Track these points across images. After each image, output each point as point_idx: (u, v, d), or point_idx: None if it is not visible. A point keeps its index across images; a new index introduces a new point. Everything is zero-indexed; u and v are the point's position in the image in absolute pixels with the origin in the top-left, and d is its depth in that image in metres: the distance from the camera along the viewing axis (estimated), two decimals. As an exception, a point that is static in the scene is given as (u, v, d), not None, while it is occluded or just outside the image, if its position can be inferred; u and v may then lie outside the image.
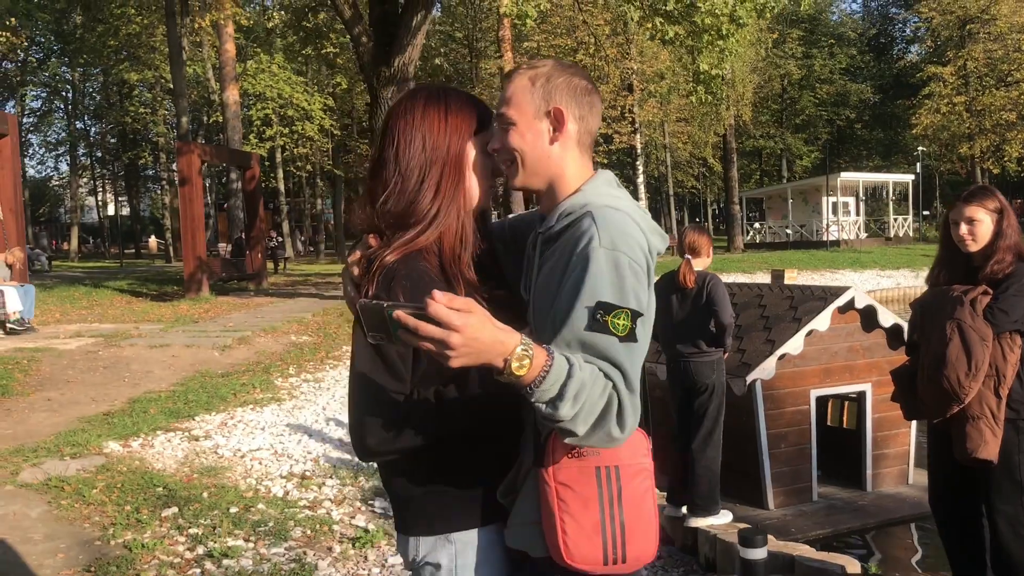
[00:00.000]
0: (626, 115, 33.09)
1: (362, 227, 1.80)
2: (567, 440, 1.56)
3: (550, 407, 1.48)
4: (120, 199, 57.24)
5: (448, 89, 1.84)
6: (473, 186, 1.81)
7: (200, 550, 4.44)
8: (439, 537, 1.76)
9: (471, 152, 1.79)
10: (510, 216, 2.12)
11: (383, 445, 1.66)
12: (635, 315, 1.56)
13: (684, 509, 5.40)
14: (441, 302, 1.35)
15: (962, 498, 3.63)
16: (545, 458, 1.64)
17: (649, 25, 13.49)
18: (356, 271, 1.75)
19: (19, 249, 12.58)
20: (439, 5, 41.59)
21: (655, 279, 1.76)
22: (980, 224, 3.41)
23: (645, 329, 1.62)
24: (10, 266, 12.11)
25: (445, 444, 1.71)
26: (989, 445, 3.30)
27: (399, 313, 1.37)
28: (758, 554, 3.37)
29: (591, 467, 1.62)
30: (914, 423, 6.87)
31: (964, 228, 3.43)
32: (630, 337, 1.56)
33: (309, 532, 4.79)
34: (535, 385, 1.45)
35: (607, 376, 1.53)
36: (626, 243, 1.61)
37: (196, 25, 26.41)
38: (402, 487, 1.79)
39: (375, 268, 1.69)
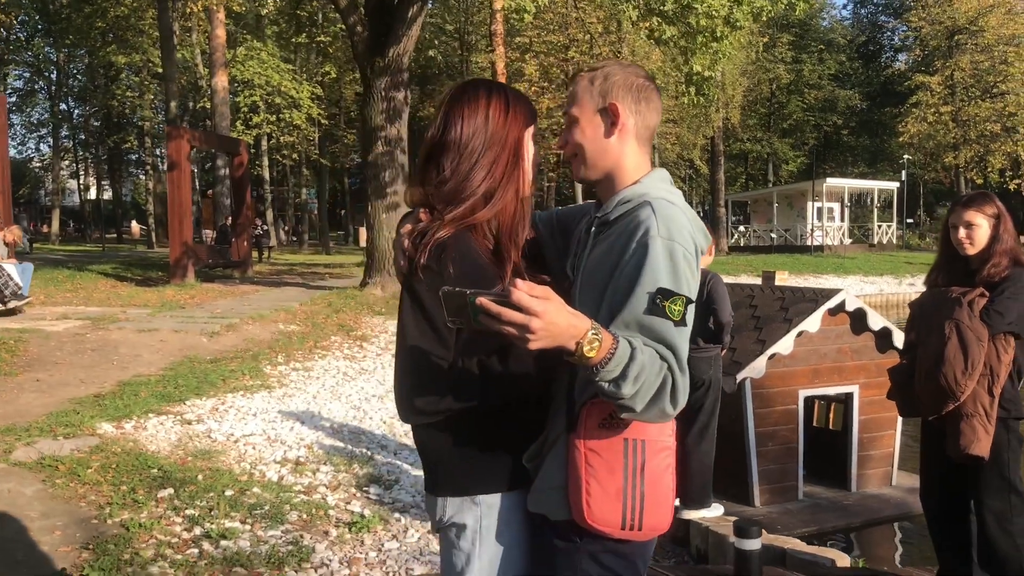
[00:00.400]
0: (615, 114, 33.11)
1: (416, 203, 1.91)
2: (624, 415, 1.67)
3: (613, 386, 1.60)
4: (103, 183, 56.78)
5: (503, 85, 1.98)
6: (527, 172, 1.93)
7: (197, 531, 4.46)
8: (466, 499, 1.87)
9: (526, 141, 1.92)
10: (559, 208, 2.23)
11: (429, 406, 1.80)
12: (688, 301, 1.69)
13: (676, 501, 5.47)
14: (523, 290, 1.47)
15: (953, 494, 3.73)
16: (578, 426, 1.76)
17: (646, 24, 13.57)
18: (407, 243, 1.84)
19: (17, 228, 12.52)
20: (432, -2, 41.57)
21: None
22: (978, 228, 3.51)
23: (693, 314, 1.74)
24: (8, 244, 12.06)
25: (480, 411, 1.82)
26: (982, 442, 3.41)
27: (482, 300, 1.48)
28: (753, 545, 3.44)
29: (620, 438, 1.74)
30: (899, 426, 6.98)
31: (963, 232, 3.54)
32: (683, 322, 1.68)
33: (305, 516, 4.82)
34: (601, 366, 1.58)
35: (663, 358, 1.64)
36: (681, 235, 1.73)
37: (188, 10, 26.27)
38: (436, 449, 1.90)
39: (428, 240, 1.79)
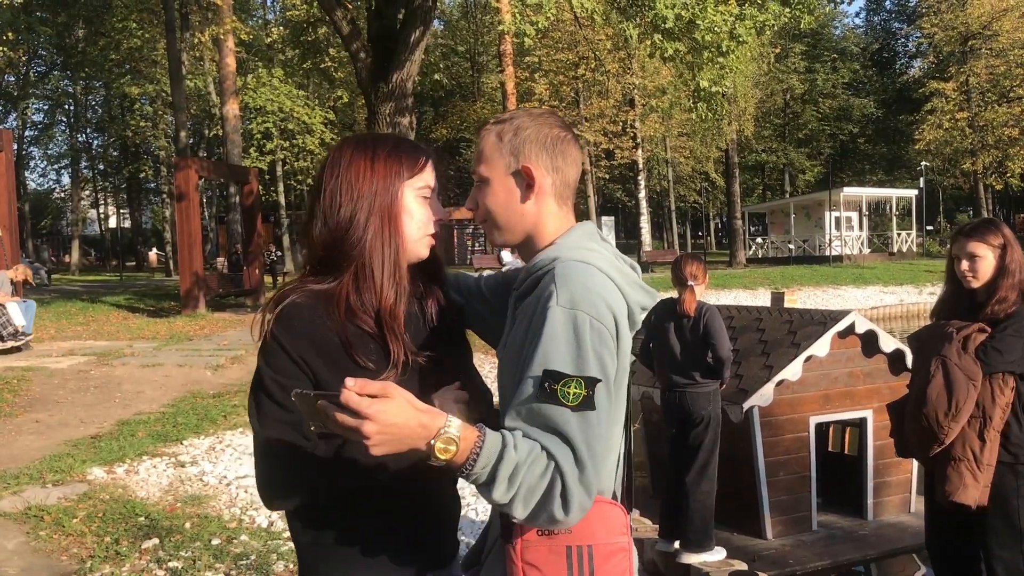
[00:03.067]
0: (628, 130, 33.07)
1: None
2: (513, 520, 1.46)
3: (484, 490, 1.39)
4: (122, 211, 57.26)
5: (377, 137, 1.73)
6: (407, 234, 1.68)
7: (178, 585, 4.31)
8: None
9: (403, 199, 1.68)
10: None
11: (286, 495, 1.62)
12: (591, 382, 1.44)
13: (677, 544, 5.27)
14: (353, 389, 1.26)
15: (959, 540, 3.49)
16: (512, 534, 1.53)
17: (648, 42, 13.43)
18: (259, 313, 1.72)
19: (24, 266, 12.51)
20: (441, 20, 41.69)
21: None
22: (982, 260, 3.27)
23: (610, 393, 1.50)
24: (16, 283, 12.06)
25: (345, 499, 1.62)
26: (969, 489, 3.16)
27: (320, 403, 1.30)
28: (751, 600, 3.24)
29: (562, 546, 1.51)
30: (916, 450, 6.74)
31: (965, 264, 3.30)
32: (585, 406, 1.43)
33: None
34: (467, 468, 1.36)
35: (550, 455, 1.41)
36: (587, 300, 1.48)
37: (196, 40, 26.41)
38: (302, 536, 1.68)
39: (279, 308, 1.62)
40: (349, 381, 1.27)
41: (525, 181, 1.66)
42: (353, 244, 1.63)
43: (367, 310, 1.63)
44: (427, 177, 1.70)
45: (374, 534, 1.64)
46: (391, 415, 1.29)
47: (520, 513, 1.41)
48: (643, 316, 1.66)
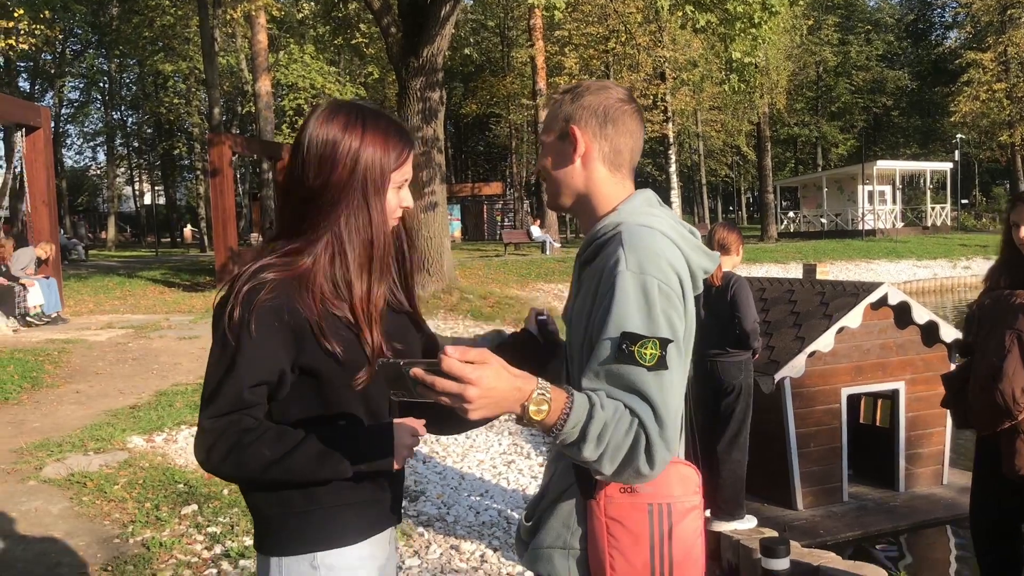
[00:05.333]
0: (658, 104, 32.81)
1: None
2: (598, 477, 1.54)
3: (574, 448, 1.45)
4: (156, 188, 57.86)
5: (366, 107, 1.74)
6: (382, 219, 1.72)
7: (218, 549, 4.42)
8: (301, 558, 1.67)
9: (386, 185, 1.72)
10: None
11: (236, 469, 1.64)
12: (664, 343, 1.50)
13: (707, 512, 5.31)
14: (454, 356, 1.32)
15: (1006, 513, 3.46)
16: (597, 492, 1.61)
17: (680, 13, 13.32)
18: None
19: (49, 243, 12.68)
20: (470, -6, 41.52)
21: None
22: None
23: (681, 353, 1.56)
24: (44, 260, 12.23)
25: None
26: None
27: (416, 371, 1.35)
28: (780, 564, 3.27)
29: (643, 503, 1.59)
30: (949, 422, 6.71)
31: None
32: (659, 365, 1.49)
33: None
34: (557, 428, 1.42)
35: (633, 412, 1.48)
36: (655, 264, 1.55)
37: (228, 16, 26.51)
38: (263, 503, 1.69)
39: (245, 283, 1.62)
40: (449, 349, 1.32)
41: (571, 144, 1.72)
42: (328, 211, 1.66)
43: (340, 295, 1.67)
44: (407, 171, 1.76)
45: (346, 494, 1.69)
46: (491, 379, 1.34)
47: (608, 469, 1.48)
48: (703, 279, 1.73)
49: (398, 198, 1.75)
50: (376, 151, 1.68)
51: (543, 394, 1.39)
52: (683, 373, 1.58)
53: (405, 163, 1.74)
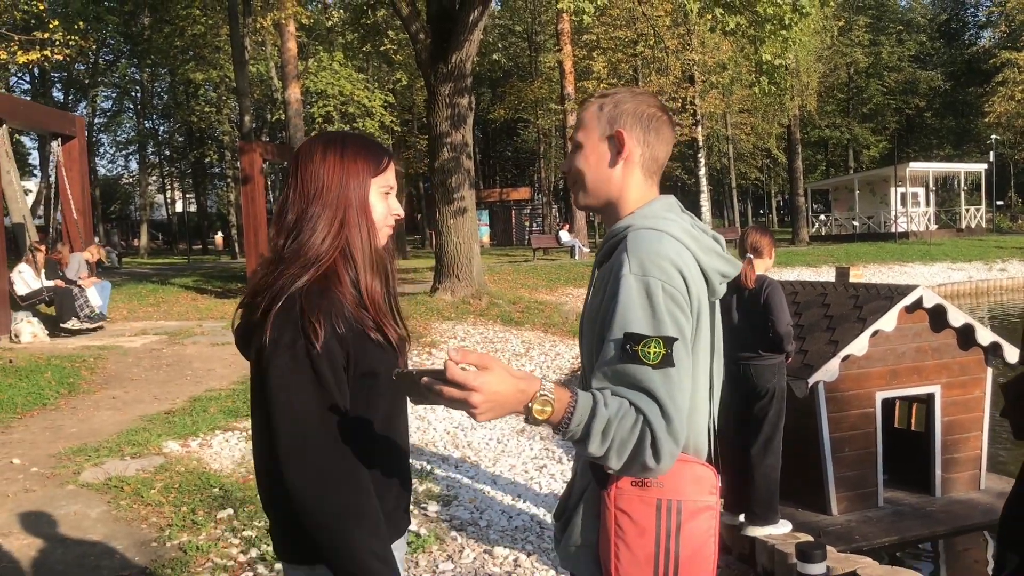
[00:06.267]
0: (687, 107, 32.66)
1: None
2: (608, 471, 1.58)
3: (580, 445, 1.51)
4: (188, 196, 58.48)
5: (346, 135, 1.87)
6: (371, 226, 1.83)
7: (253, 553, 4.46)
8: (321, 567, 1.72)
9: (370, 195, 1.83)
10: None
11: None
12: (669, 341, 1.55)
13: (742, 517, 5.27)
14: (455, 360, 1.39)
15: None
16: (609, 484, 1.66)
17: (709, 16, 13.26)
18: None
19: (97, 247, 12.93)
20: (498, 0, 41.58)
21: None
22: None
23: (688, 352, 1.60)
24: (91, 264, 12.46)
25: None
26: None
27: (425, 380, 1.42)
28: (816, 569, 3.24)
29: (653, 498, 1.63)
30: (986, 427, 6.62)
31: None
32: (665, 363, 1.54)
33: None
34: (563, 426, 1.49)
35: (638, 409, 1.52)
36: (657, 266, 1.60)
37: (258, 25, 26.74)
38: (290, 511, 1.71)
39: (271, 304, 1.69)
40: (453, 352, 1.40)
41: (616, 147, 1.78)
42: (325, 236, 1.76)
43: (360, 297, 1.77)
44: (389, 177, 1.86)
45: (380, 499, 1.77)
46: (494, 384, 1.40)
47: (615, 464, 1.53)
48: (723, 285, 1.76)
49: (387, 205, 1.85)
50: (359, 165, 1.81)
51: (546, 395, 1.46)
52: (693, 369, 1.63)
53: (386, 170, 1.85)
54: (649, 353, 1.54)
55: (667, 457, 1.53)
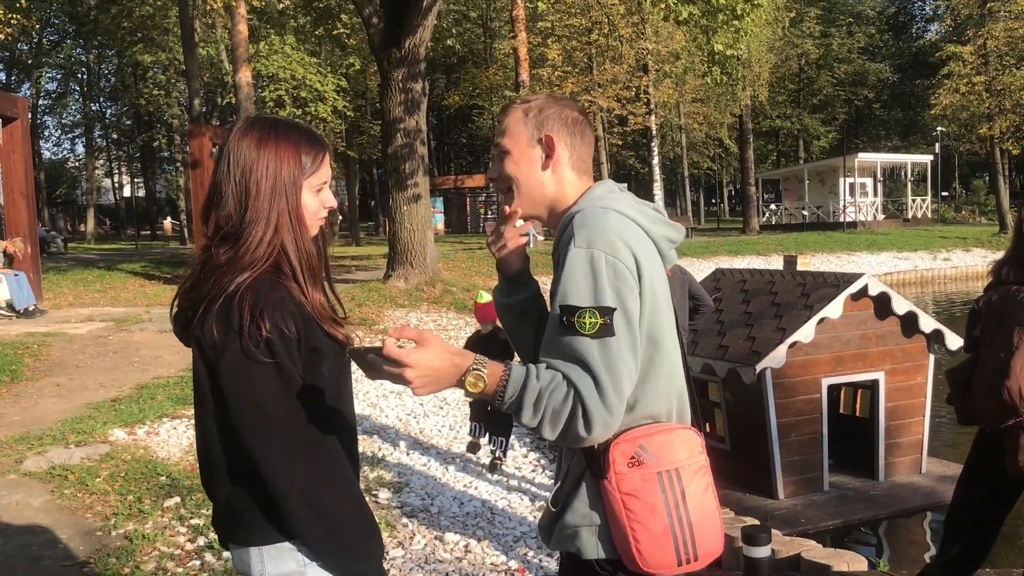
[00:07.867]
0: (641, 96, 32.82)
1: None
2: (543, 440, 1.65)
3: (515, 416, 1.59)
4: (136, 180, 57.42)
5: (278, 121, 1.84)
6: (307, 225, 1.83)
7: (201, 541, 4.41)
8: (283, 544, 1.70)
9: (303, 194, 1.81)
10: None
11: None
12: (605, 311, 1.60)
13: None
14: (392, 335, 1.47)
15: (989, 510, 3.45)
16: (607, 470, 1.69)
17: (662, 5, 13.32)
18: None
19: (19, 238, 12.43)
20: (453, -15, 41.33)
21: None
22: None
23: (630, 321, 1.64)
24: (9, 254, 12.00)
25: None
26: None
27: (369, 356, 1.48)
28: (761, 552, 3.30)
29: (652, 473, 1.68)
30: (927, 412, 6.78)
31: None
32: (602, 333, 1.60)
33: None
34: (497, 398, 1.57)
35: (570, 382, 1.58)
36: (603, 239, 1.65)
37: (208, 6, 26.30)
38: (238, 495, 1.71)
39: (217, 293, 1.68)
40: (393, 330, 1.47)
41: (546, 151, 1.83)
42: (261, 239, 1.73)
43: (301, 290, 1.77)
44: (325, 173, 1.85)
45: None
46: (428, 359, 1.48)
47: (549, 434, 1.59)
48: (673, 251, 1.83)
49: (319, 200, 1.84)
50: (296, 160, 1.78)
51: (479, 368, 1.54)
52: (634, 337, 1.65)
53: (321, 166, 1.83)
54: (585, 324, 1.59)
55: (599, 426, 1.59)
